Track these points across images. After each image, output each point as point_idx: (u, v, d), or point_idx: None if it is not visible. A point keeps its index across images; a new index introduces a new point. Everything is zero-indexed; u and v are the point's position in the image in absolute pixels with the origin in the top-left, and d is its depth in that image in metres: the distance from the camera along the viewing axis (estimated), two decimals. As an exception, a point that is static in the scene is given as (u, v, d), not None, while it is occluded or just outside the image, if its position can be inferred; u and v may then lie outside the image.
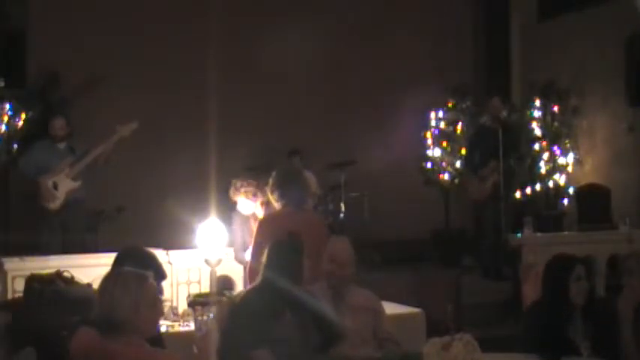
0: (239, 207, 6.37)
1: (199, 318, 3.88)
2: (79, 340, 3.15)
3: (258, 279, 4.37)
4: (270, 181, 5.39)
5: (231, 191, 6.33)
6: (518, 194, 9.93)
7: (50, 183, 7.44)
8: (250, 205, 6.33)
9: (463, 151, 10.04)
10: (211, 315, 3.96)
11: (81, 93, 9.15)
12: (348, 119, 10.51)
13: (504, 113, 9.75)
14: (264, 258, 4.37)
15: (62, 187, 7.45)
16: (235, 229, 6.23)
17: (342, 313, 4.44)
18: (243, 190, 6.28)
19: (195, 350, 3.41)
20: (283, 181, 5.31)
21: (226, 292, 5.49)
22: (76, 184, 7.49)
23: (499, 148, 8.45)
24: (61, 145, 7.67)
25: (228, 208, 6.48)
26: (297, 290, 4.18)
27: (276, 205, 5.39)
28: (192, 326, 4.51)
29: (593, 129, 10.45)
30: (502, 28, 11.63)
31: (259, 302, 4.15)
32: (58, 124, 7.67)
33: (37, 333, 2.88)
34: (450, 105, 10.81)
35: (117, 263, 3.99)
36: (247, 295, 4.31)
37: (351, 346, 4.35)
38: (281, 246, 4.41)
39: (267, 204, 6.04)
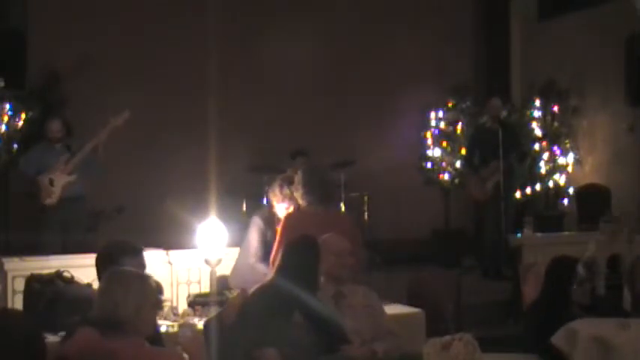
0: (278, 210, 5.78)
1: (183, 321, 3.86)
2: (79, 340, 3.15)
3: (270, 277, 4.37)
4: (295, 179, 5.43)
5: (276, 192, 5.76)
6: (518, 194, 9.93)
7: (47, 180, 7.51)
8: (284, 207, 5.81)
9: (463, 151, 10.03)
10: (196, 320, 3.94)
11: (80, 92, 9.14)
12: (348, 119, 10.49)
13: (504, 113, 9.76)
14: (279, 257, 4.39)
15: (58, 182, 7.53)
16: (252, 234, 5.80)
17: (344, 312, 4.46)
18: (285, 191, 5.72)
19: (185, 355, 3.41)
20: (308, 180, 5.35)
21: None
22: (71, 179, 7.56)
23: (499, 148, 8.45)
24: (58, 146, 7.72)
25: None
26: (308, 292, 4.18)
27: (302, 203, 5.41)
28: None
29: (593, 129, 10.45)
30: (502, 28, 11.61)
31: (269, 301, 4.16)
32: (55, 127, 7.71)
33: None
34: (450, 105, 10.81)
35: (108, 263, 3.90)
36: (257, 293, 4.31)
37: (354, 344, 4.35)
38: (297, 246, 4.41)
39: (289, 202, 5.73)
